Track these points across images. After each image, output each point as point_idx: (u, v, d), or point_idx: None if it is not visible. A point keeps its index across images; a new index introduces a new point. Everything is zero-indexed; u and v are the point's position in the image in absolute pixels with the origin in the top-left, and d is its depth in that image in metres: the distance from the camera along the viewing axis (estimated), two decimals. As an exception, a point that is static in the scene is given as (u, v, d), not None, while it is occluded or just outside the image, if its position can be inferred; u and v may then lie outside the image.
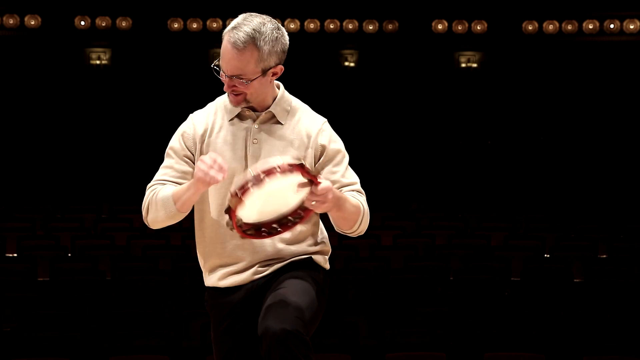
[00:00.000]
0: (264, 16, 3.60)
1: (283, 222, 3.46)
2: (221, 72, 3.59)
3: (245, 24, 3.54)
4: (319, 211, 3.49)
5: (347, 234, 3.67)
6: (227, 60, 3.54)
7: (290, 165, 3.33)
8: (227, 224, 3.39)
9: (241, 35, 3.52)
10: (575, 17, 16.85)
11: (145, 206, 3.65)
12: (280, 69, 3.60)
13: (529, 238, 12.20)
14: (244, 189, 3.31)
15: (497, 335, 7.77)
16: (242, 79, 3.55)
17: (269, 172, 3.31)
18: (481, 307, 8.80)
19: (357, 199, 3.62)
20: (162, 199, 3.59)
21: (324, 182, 3.41)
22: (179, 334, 7.89)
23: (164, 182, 3.65)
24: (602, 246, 11.81)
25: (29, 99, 16.82)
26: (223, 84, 3.64)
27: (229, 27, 3.56)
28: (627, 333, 7.78)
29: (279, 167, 3.32)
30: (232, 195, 3.33)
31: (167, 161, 3.69)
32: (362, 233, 3.68)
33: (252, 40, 3.52)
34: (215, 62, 3.60)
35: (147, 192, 3.67)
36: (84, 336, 7.82)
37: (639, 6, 16.66)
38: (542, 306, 8.87)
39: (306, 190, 3.40)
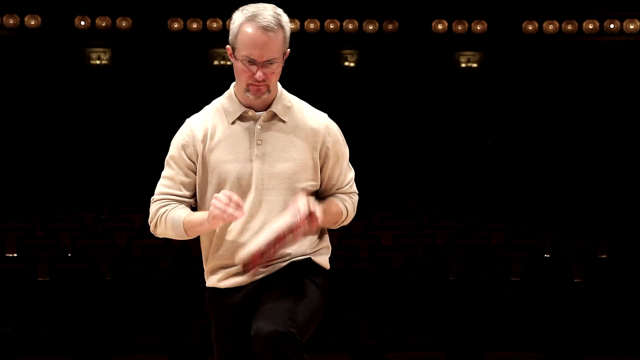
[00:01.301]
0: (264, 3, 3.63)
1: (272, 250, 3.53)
2: (246, 63, 3.55)
3: (262, 9, 3.55)
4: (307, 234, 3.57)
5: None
6: (261, 45, 3.52)
7: (306, 221, 3.46)
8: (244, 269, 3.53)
9: (270, 17, 3.53)
10: (575, 17, 16.85)
11: (154, 222, 3.67)
12: (288, 52, 3.63)
13: (529, 238, 12.20)
14: (255, 264, 3.46)
15: (497, 335, 7.77)
16: (275, 62, 3.55)
17: (294, 232, 3.47)
18: (481, 307, 8.79)
19: (344, 204, 3.72)
20: (172, 222, 3.61)
21: (317, 213, 3.49)
22: (179, 334, 7.89)
23: (168, 196, 3.65)
24: (602, 246, 11.81)
25: (29, 99, 16.82)
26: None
27: (246, 17, 3.53)
28: (627, 333, 7.78)
29: (301, 231, 3.46)
30: (257, 257, 3.45)
31: (168, 171, 3.67)
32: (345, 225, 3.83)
33: (279, 22, 3.55)
34: (242, 56, 3.55)
35: (153, 207, 3.67)
36: (84, 336, 7.82)
37: (639, 6, 16.66)
38: (542, 306, 8.87)
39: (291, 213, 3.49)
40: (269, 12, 3.54)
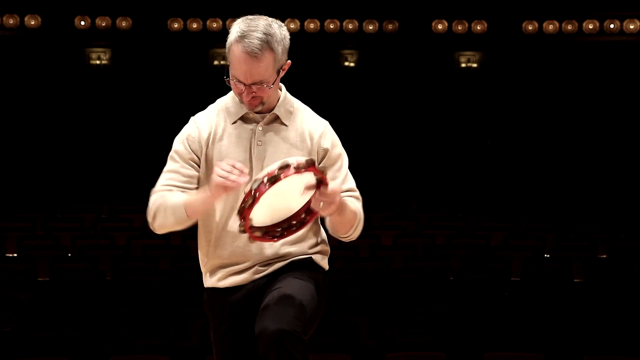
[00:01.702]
0: (263, 16, 3.58)
1: (288, 227, 3.46)
2: (235, 81, 3.55)
3: (253, 29, 3.50)
4: (325, 214, 3.49)
5: (341, 238, 3.71)
6: (245, 69, 3.49)
7: (305, 162, 3.33)
8: (240, 226, 3.37)
9: (256, 42, 3.48)
10: (575, 17, 16.85)
11: (152, 211, 3.62)
12: (288, 64, 3.60)
13: (529, 238, 12.20)
14: (259, 189, 3.29)
15: (497, 335, 7.77)
16: (262, 84, 3.52)
17: (284, 169, 3.30)
18: (481, 307, 8.80)
19: (355, 205, 3.66)
20: (172, 205, 3.56)
21: (332, 184, 3.43)
22: (179, 334, 7.89)
23: (170, 187, 3.61)
24: (602, 246, 11.81)
25: (29, 99, 16.82)
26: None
27: (236, 37, 3.51)
28: (627, 333, 7.78)
29: (294, 165, 3.31)
30: (247, 195, 3.31)
31: (171, 165, 3.65)
32: (354, 239, 3.73)
33: (267, 45, 3.49)
34: (228, 74, 3.54)
35: (153, 197, 3.62)
36: (84, 336, 7.82)
37: (639, 6, 16.66)
38: (542, 306, 8.87)
39: (311, 192, 3.40)
40: (258, 34, 3.49)
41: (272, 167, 3.32)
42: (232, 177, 3.37)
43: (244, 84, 3.52)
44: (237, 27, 3.53)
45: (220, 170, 3.39)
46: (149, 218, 3.64)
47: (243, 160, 3.60)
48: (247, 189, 3.32)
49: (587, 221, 13.63)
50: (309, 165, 3.34)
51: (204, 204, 3.51)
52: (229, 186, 3.38)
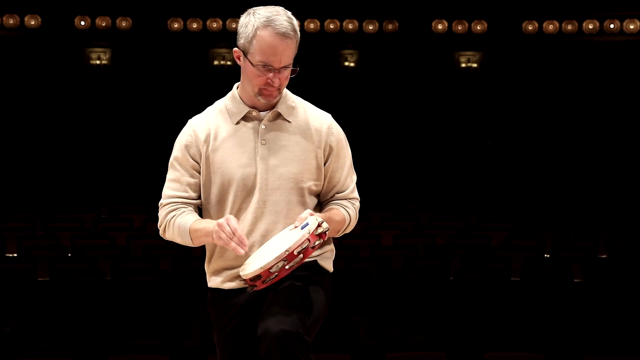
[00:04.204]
0: (272, 5, 3.61)
1: (282, 266, 3.45)
2: (262, 68, 3.53)
3: (276, 13, 3.53)
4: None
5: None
6: (280, 51, 3.51)
7: (318, 235, 3.43)
8: (244, 284, 3.51)
9: (286, 23, 3.52)
10: (575, 17, 16.85)
11: (162, 226, 3.68)
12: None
13: (529, 238, 12.20)
14: (281, 273, 3.40)
15: (497, 335, 7.77)
16: (289, 67, 3.56)
17: (304, 250, 3.40)
18: (481, 307, 8.80)
19: (346, 210, 3.69)
20: (179, 228, 3.61)
21: (326, 225, 3.47)
22: (179, 334, 7.89)
23: (176, 199, 3.63)
24: (602, 246, 11.82)
25: (29, 99, 16.82)
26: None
27: (261, 22, 3.50)
28: (627, 333, 7.78)
29: (310, 246, 3.41)
30: (265, 274, 3.39)
31: (172, 174, 3.66)
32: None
33: (293, 27, 3.55)
34: (258, 61, 3.53)
35: (161, 211, 3.67)
36: (84, 336, 7.82)
37: (639, 6, 16.67)
38: (542, 306, 8.88)
39: (302, 232, 3.43)
40: (284, 18, 3.53)
41: (293, 246, 3.37)
42: (233, 245, 3.42)
43: (274, 69, 3.53)
44: (257, 15, 3.54)
45: (222, 233, 3.43)
46: (160, 230, 3.71)
47: (248, 161, 3.59)
48: (268, 264, 3.37)
49: (587, 221, 13.63)
50: (322, 234, 3.42)
51: (207, 240, 3.57)
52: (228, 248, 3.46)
